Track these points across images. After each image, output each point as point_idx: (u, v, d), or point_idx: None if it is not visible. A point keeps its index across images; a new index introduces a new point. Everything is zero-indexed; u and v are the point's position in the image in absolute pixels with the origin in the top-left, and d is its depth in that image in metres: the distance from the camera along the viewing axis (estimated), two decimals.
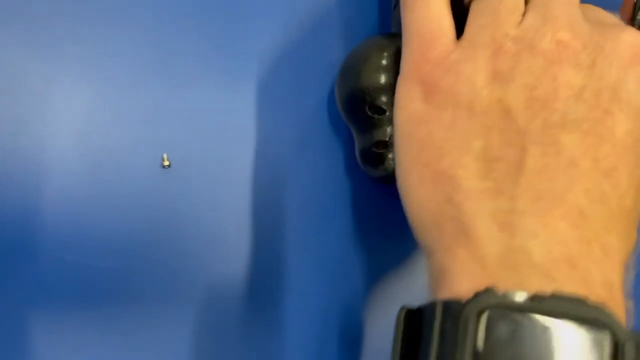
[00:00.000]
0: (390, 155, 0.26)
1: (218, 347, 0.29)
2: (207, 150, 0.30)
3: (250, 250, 0.30)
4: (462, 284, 0.18)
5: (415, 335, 0.18)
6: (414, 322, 0.19)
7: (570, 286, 0.17)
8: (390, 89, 0.26)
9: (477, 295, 0.16)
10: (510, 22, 0.20)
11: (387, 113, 0.26)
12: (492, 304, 0.16)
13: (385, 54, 0.26)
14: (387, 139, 0.26)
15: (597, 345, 0.15)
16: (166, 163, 0.29)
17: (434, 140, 0.20)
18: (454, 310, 0.16)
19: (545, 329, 0.15)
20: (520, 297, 0.16)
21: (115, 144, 0.29)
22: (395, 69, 0.26)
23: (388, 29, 0.31)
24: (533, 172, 0.18)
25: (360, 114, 0.27)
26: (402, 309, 0.19)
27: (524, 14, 0.21)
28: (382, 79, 0.26)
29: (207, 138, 0.30)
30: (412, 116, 0.21)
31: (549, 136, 0.18)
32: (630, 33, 0.20)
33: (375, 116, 0.26)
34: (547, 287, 0.16)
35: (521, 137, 0.19)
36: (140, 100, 0.29)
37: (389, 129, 0.26)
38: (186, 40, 0.30)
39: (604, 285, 0.17)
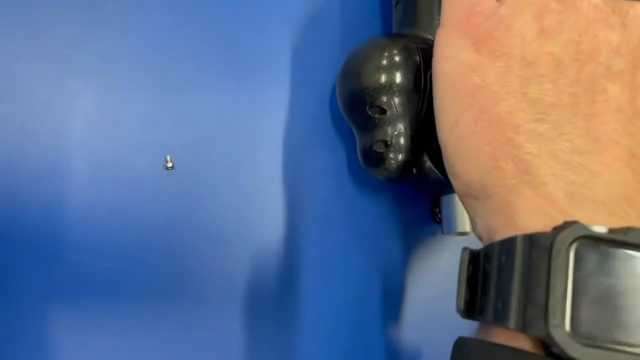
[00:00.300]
0: (391, 155, 0.27)
1: (230, 343, 0.29)
2: (211, 151, 0.30)
3: (257, 249, 0.30)
4: (532, 220, 0.19)
5: (479, 274, 0.20)
6: (478, 263, 0.20)
7: (630, 221, 0.18)
8: (391, 89, 0.26)
9: (562, 227, 0.17)
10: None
11: (388, 113, 0.26)
12: (579, 235, 0.16)
13: (386, 54, 0.26)
14: (388, 139, 0.26)
15: None
16: (169, 165, 0.29)
17: (488, 85, 0.21)
18: (541, 242, 0.17)
19: (631, 258, 0.16)
20: (599, 229, 0.17)
21: (120, 146, 0.29)
22: (395, 69, 0.26)
23: (390, 29, 0.31)
24: (588, 116, 0.19)
25: (361, 114, 0.27)
26: (464, 249, 0.21)
27: None
28: (383, 79, 0.26)
29: (210, 138, 0.30)
30: (461, 64, 0.22)
31: (598, 84, 0.20)
32: None
33: (376, 116, 0.26)
34: (612, 222, 0.17)
35: (574, 85, 0.20)
36: (143, 103, 0.30)
37: (389, 129, 0.26)
38: (188, 43, 0.31)
39: None
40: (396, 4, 0.29)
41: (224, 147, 0.31)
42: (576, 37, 0.21)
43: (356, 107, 0.27)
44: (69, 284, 0.28)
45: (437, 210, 0.32)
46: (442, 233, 0.30)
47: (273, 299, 0.30)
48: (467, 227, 0.28)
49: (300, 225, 0.31)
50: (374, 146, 0.27)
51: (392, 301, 0.32)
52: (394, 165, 0.27)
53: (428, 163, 0.27)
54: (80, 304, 0.28)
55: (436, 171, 0.26)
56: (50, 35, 0.29)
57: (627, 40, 0.21)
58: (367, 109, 0.26)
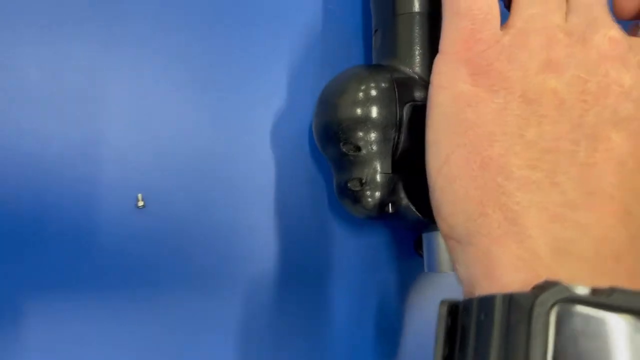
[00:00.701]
0: (367, 193, 0.25)
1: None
2: (188, 184, 0.29)
3: (240, 286, 0.29)
4: (513, 275, 0.18)
5: (457, 329, 0.19)
6: (457, 316, 0.19)
7: (617, 280, 0.17)
8: (366, 124, 0.25)
9: (542, 288, 0.16)
10: (559, 15, 0.21)
11: (363, 151, 0.25)
12: (561, 297, 0.16)
13: (363, 87, 0.25)
14: (363, 177, 0.25)
15: None
16: (140, 203, 0.28)
17: (483, 123, 0.20)
18: (521, 304, 0.16)
19: (613, 324, 0.15)
20: (582, 290, 0.16)
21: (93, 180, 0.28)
22: (371, 103, 0.25)
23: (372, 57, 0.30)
24: (585, 167, 0.18)
25: (336, 150, 0.26)
26: (443, 302, 0.19)
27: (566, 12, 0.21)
28: (358, 113, 0.25)
29: (187, 172, 0.29)
30: (457, 97, 0.21)
31: (602, 131, 0.19)
32: None
33: (351, 153, 0.25)
34: (598, 281, 0.16)
35: (575, 130, 0.19)
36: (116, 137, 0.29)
37: (365, 167, 0.25)
38: (159, 75, 0.30)
39: None
40: (375, 31, 0.28)
41: (201, 181, 0.30)
42: (584, 74, 0.19)
43: (331, 142, 0.26)
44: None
45: (420, 246, 0.31)
46: (425, 271, 0.28)
47: (263, 339, 0.29)
48: (449, 268, 0.27)
49: (282, 260, 0.30)
50: (349, 184, 0.26)
51: (382, 337, 0.31)
52: (370, 204, 0.26)
53: (405, 201, 0.25)
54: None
55: (414, 209, 0.25)
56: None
57: None
58: (342, 145, 0.25)
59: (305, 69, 0.31)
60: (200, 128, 0.30)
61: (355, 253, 0.31)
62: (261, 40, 0.31)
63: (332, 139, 0.26)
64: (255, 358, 0.29)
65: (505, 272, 0.18)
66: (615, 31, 0.20)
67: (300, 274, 0.30)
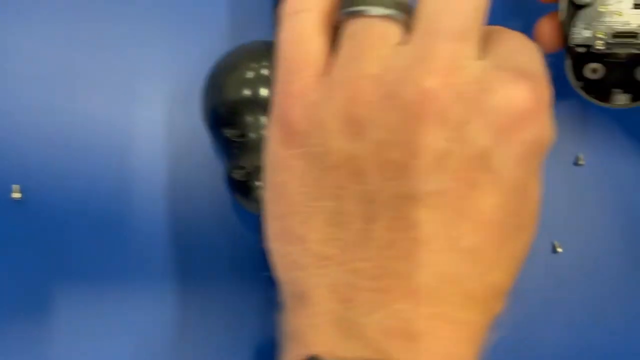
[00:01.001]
0: (256, 184, 0.23)
1: None
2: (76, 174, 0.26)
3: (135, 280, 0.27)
4: (297, 349, 0.17)
5: None
6: None
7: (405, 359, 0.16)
8: (256, 107, 0.22)
9: None
10: (375, 56, 0.17)
11: (251, 136, 0.22)
12: None
13: (255, 64, 0.22)
14: (248, 167, 0.22)
15: None
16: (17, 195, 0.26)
17: (288, 192, 0.18)
18: None
19: None
20: None
21: None
22: (262, 83, 0.22)
23: None
24: (379, 247, 0.16)
25: (220, 135, 0.23)
26: None
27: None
28: (247, 94, 0.22)
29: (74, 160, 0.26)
30: (271, 160, 0.19)
31: (399, 209, 0.16)
32: (524, 87, 0.16)
33: (235, 139, 0.22)
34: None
35: (370, 205, 0.16)
36: None
37: (253, 157, 0.22)
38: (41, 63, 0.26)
39: (447, 358, 0.16)
40: (276, 4, 0.25)
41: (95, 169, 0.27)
42: (387, 138, 0.16)
43: (216, 126, 0.23)
44: None
45: None
46: None
47: None
48: None
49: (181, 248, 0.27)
50: (232, 173, 0.23)
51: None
52: (260, 197, 0.23)
53: None
54: None
55: None
56: None
57: (461, 147, 0.16)
58: (226, 129, 0.22)
59: (212, 45, 0.28)
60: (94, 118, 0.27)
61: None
62: (163, 12, 0.28)
63: (217, 122, 0.23)
64: None
65: (292, 345, 0.17)
66: (435, 79, 0.16)
67: (197, 264, 0.28)
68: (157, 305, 0.27)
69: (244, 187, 0.23)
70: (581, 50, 0.22)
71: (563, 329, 0.29)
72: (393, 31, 0.17)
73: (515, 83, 0.16)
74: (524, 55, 0.17)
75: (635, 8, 0.22)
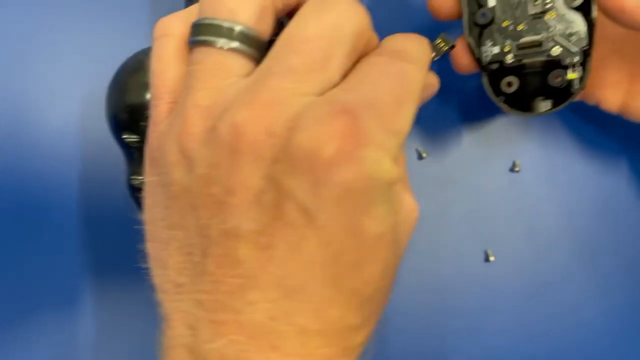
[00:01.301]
0: None
1: None
2: None
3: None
4: None
5: None
6: None
7: None
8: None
9: None
10: (209, 87, 0.16)
11: None
12: None
13: None
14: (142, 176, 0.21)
15: None
16: None
17: (152, 217, 0.18)
18: None
19: None
20: None
21: None
22: None
23: None
24: (212, 281, 0.16)
25: (121, 139, 0.22)
26: None
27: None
28: (148, 98, 0.21)
29: None
30: (146, 183, 0.19)
31: (225, 246, 0.16)
32: (337, 126, 0.14)
33: (133, 145, 0.21)
34: None
35: (205, 239, 0.16)
36: None
37: None
38: None
39: None
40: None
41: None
42: (210, 173, 0.16)
43: (117, 129, 0.22)
44: None
45: None
46: None
47: None
48: None
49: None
50: (130, 180, 0.22)
51: None
52: None
53: None
54: None
55: None
56: None
57: (277, 186, 0.15)
58: (124, 134, 0.21)
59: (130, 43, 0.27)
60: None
61: None
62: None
63: (117, 126, 0.22)
64: None
65: None
66: (249, 112, 0.15)
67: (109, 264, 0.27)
68: (71, 304, 0.27)
69: (141, 193, 0.22)
70: (494, 66, 0.22)
71: (495, 338, 0.28)
72: (235, 64, 0.16)
73: (329, 122, 0.15)
74: (373, 84, 0.16)
75: (535, 18, 0.21)
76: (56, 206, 0.26)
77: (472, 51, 0.22)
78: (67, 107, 0.26)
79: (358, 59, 0.17)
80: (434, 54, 0.21)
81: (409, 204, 0.18)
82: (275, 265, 0.15)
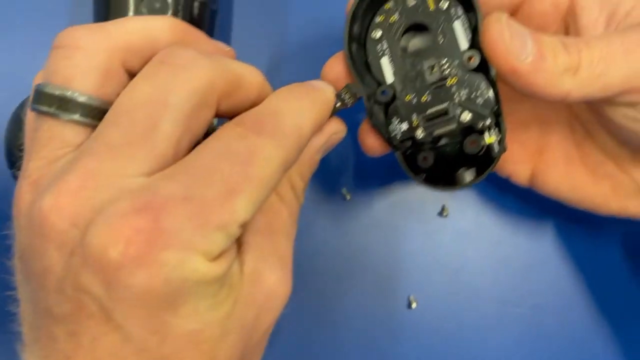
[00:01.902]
0: None
1: None
2: None
3: None
4: None
5: None
6: None
7: None
8: None
9: None
10: (41, 157, 0.16)
11: None
12: None
13: None
14: None
15: None
16: None
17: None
18: None
19: None
20: None
21: None
22: None
23: None
24: (42, 349, 0.15)
25: (15, 177, 0.21)
26: None
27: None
28: None
29: None
30: None
31: (45, 322, 0.15)
32: (132, 225, 0.13)
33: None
34: None
35: (34, 313, 0.16)
36: None
37: None
38: None
39: None
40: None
41: None
42: (24, 252, 0.15)
43: (11, 166, 0.22)
44: None
45: None
46: None
47: None
48: None
49: None
50: None
51: None
52: None
53: None
54: None
55: None
56: None
57: (74, 278, 0.14)
58: (16, 172, 0.21)
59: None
60: None
61: None
62: None
63: (11, 163, 0.21)
64: None
65: None
66: (53, 198, 0.14)
67: None
68: None
69: None
70: (407, 144, 0.21)
71: None
72: (69, 133, 0.16)
73: (121, 222, 0.14)
74: (203, 170, 0.15)
75: (437, 88, 0.20)
76: None
77: (380, 132, 0.21)
78: None
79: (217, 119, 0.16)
80: (338, 104, 0.20)
81: (268, 286, 0.16)
82: (83, 355, 0.14)
